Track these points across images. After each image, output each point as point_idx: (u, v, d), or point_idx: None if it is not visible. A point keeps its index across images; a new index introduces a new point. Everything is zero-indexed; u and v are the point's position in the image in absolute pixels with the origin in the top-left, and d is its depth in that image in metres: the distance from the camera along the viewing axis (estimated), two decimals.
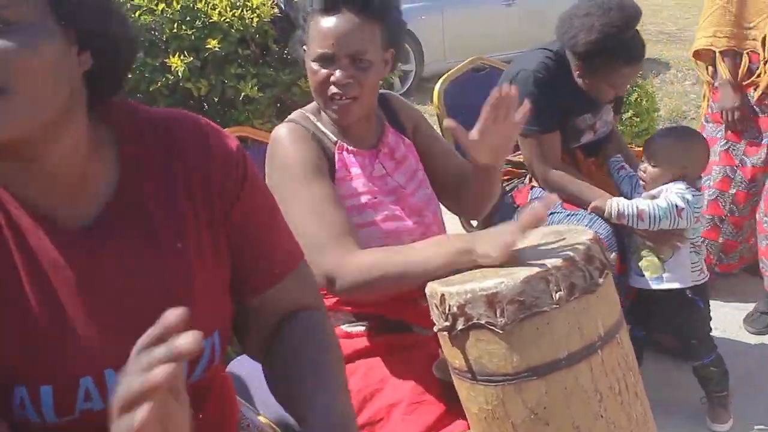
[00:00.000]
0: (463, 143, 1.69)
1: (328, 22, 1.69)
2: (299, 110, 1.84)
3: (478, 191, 1.87)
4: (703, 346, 2.69)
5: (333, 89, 1.70)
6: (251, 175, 1.20)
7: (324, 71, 1.71)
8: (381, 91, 1.93)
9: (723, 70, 3.19)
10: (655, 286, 2.61)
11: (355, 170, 1.77)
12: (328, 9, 1.70)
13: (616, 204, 2.55)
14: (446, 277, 1.50)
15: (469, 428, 1.54)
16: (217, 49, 2.67)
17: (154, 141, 1.13)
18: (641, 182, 2.66)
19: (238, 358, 1.89)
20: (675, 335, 2.88)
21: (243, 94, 2.67)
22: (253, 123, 2.63)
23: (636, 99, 4.71)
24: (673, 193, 2.53)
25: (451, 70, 3.10)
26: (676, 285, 2.61)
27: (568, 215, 2.60)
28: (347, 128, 1.79)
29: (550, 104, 2.60)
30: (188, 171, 1.14)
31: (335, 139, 1.79)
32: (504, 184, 2.81)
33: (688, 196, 2.52)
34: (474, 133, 1.67)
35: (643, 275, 2.61)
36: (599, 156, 2.95)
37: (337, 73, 1.69)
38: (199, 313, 1.09)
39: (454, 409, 1.56)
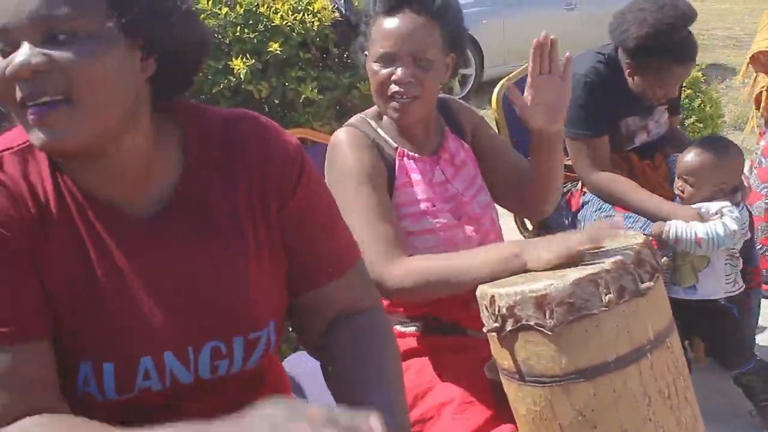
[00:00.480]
0: (522, 111, 1.72)
1: (391, 22, 1.72)
2: (359, 115, 1.87)
3: (542, 172, 1.83)
4: (737, 356, 2.64)
5: (394, 88, 1.73)
6: (308, 172, 1.23)
7: (385, 71, 1.73)
8: (440, 95, 1.94)
9: None
10: (687, 296, 2.58)
11: (416, 176, 1.79)
12: (391, 10, 1.73)
13: (674, 229, 2.50)
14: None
15: (517, 431, 1.55)
16: (278, 52, 2.71)
17: (217, 139, 1.18)
18: (678, 199, 2.63)
19: (292, 355, 1.94)
20: (710, 344, 2.84)
21: (303, 96, 2.71)
22: (313, 125, 2.67)
23: (700, 105, 4.65)
24: (728, 216, 2.48)
25: (511, 74, 3.09)
26: (708, 296, 2.58)
27: (623, 218, 2.59)
28: (408, 133, 1.81)
29: (599, 108, 2.61)
30: (247, 168, 1.17)
31: (395, 144, 1.81)
32: None
33: (737, 215, 2.49)
34: (527, 95, 1.70)
35: (678, 285, 2.59)
36: (655, 158, 2.93)
37: (399, 71, 1.71)
38: (254, 305, 1.15)
39: (503, 411, 1.56)
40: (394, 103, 1.75)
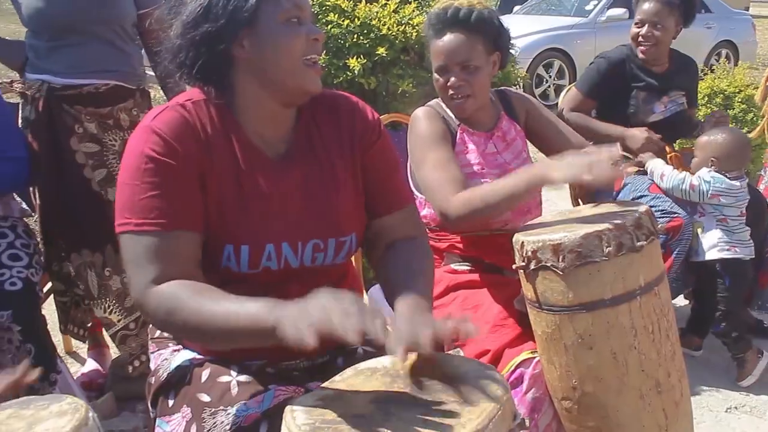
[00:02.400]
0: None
1: (440, 42, 1.93)
2: (435, 99, 2.08)
3: None
4: (711, 318, 2.74)
5: (450, 91, 1.94)
6: (384, 134, 1.51)
7: (442, 79, 1.95)
8: (500, 88, 2.15)
9: None
10: (692, 258, 2.70)
11: (471, 146, 1.98)
12: (438, 33, 1.94)
13: (652, 162, 2.73)
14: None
15: (533, 351, 1.71)
16: (384, 55, 2.93)
17: (321, 106, 1.47)
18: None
19: (375, 287, 2.17)
20: (697, 301, 2.91)
21: (401, 89, 2.92)
22: (408, 111, 2.83)
23: (752, 118, 4.53)
24: (697, 174, 2.64)
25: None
26: (700, 258, 2.68)
27: (653, 198, 2.69)
28: (466, 116, 2.00)
29: (605, 80, 2.88)
30: (341, 126, 1.47)
31: (458, 122, 2.01)
32: None
33: (707, 178, 2.61)
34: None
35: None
36: (673, 142, 3.05)
37: (452, 79, 1.92)
38: (343, 218, 1.44)
39: (527, 333, 1.73)
40: (453, 102, 1.96)
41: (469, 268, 2.00)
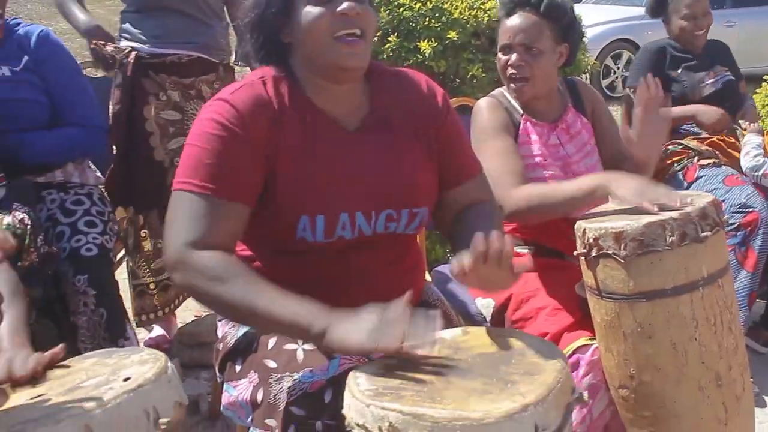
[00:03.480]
0: (629, 143, 1.87)
1: (509, 21, 1.94)
2: (500, 89, 2.08)
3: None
4: None
5: (510, 70, 1.94)
6: (453, 113, 1.55)
7: (504, 57, 1.96)
8: (570, 78, 2.14)
9: None
10: None
11: (534, 137, 1.98)
12: (509, 12, 1.95)
13: (749, 136, 2.77)
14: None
15: (591, 337, 1.72)
16: (455, 38, 2.93)
17: (393, 83, 1.51)
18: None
19: (441, 267, 2.21)
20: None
21: (470, 73, 2.92)
22: (476, 95, 2.83)
23: None
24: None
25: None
26: None
27: (727, 191, 2.65)
28: (530, 105, 2.00)
29: (649, 66, 2.89)
30: (412, 102, 1.50)
31: (522, 112, 2.01)
32: (675, 165, 2.89)
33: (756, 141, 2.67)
34: (633, 133, 1.85)
35: None
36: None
37: (513, 57, 1.93)
38: (417, 190, 1.48)
39: (585, 320, 1.73)
40: (512, 84, 1.96)
41: (528, 251, 2.01)
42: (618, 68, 8.43)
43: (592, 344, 1.71)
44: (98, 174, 2.40)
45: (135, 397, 1.06)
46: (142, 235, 2.47)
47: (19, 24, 2.19)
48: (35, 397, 1.12)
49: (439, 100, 1.53)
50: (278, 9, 1.39)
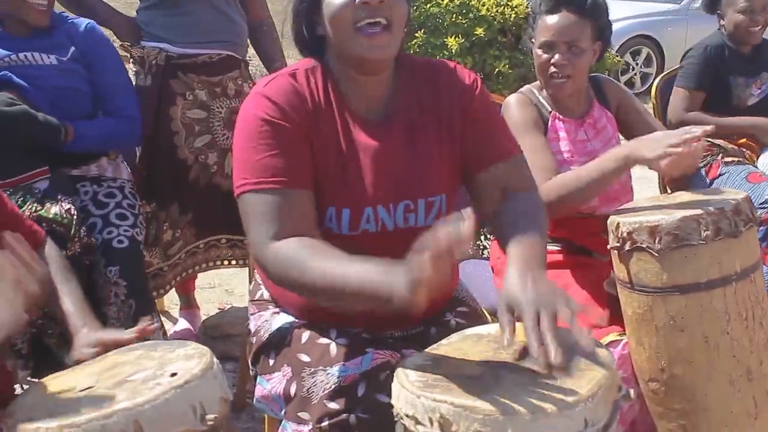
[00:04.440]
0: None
1: (551, 19, 1.94)
2: (528, 86, 2.10)
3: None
4: None
5: (552, 69, 1.95)
6: (483, 92, 1.52)
7: (546, 55, 1.96)
8: (593, 74, 2.14)
9: None
10: None
11: (562, 134, 2.00)
12: (552, 9, 1.95)
13: None
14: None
15: (620, 333, 1.74)
16: (482, 35, 2.96)
17: (420, 74, 1.50)
18: None
19: (465, 262, 2.23)
20: None
21: (497, 70, 2.94)
22: (502, 92, 2.88)
23: None
24: None
25: (667, 71, 3.15)
26: None
27: (751, 188, 2.64)
28: (561, 102, 2.02)
29: (708, 67, 2.80)
30: (440, 92, 1.49)
31: (550, 109, 2.02)
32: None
33: None
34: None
35: None
36: None
37: (557, 56, 1.93)
38: (433, 178, 1.46)
39: (614, 317, 1.75)
40: (552, 80, 1.96)
41: (558, 248, 2.02)
42: (637, 64, 8.40)
43: (622, 339, 1.73)
44: (129, 170, 2.44)
45: (182, 393, 1.06)
46: (164, 228, 2.51)
47: (66, 16, 2.25)
48: (86, 389, 1.14)
49: (468, 80, 1.51)
50: (309, 2, 1.41)
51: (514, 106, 1.99)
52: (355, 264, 1.21)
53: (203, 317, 3.09)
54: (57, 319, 1.75)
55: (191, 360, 1.16)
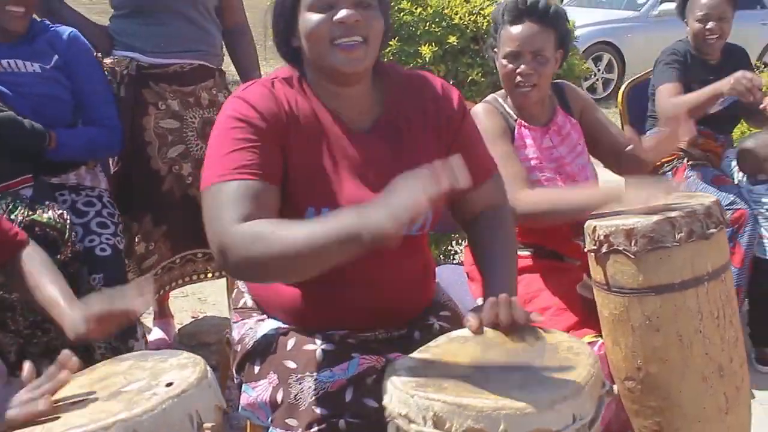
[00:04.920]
0: (637, 149, 1.90)
1: (515, 29, 1.98)
2: (492, 94, 2.14)
3: (629, 169, 2.06)
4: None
5: (518, 79, 1.98)
6: (468, 115, 1.58)
7: (511, 66, 1.99)
8: (556, 81, 2.18)
9: None
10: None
11: (529, 141, 2.04)
12: (514, 20, 1.99)
13: None
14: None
15: (595, 335, 1.78)
16: (455, 43, 2.99)
17: (407, 86, 1.53)
18: None
19: (441, 267, 2.26)
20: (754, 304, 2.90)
21: (470, 77, 2.98)
22: (475, 99, 2.86)
23: None
24: None
25: (633, 78, 3.25)
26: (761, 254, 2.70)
27: (715, 190, 2.74)
28: (525, 109, 2.06)
29: (678, 66, 2.84)
30: (426, 107, 1.52)
31: (516, 117, 2.06)
32: (665, 165, 2.97)
33: None
34: (648, 145, 1.89)
35: None
36: (730, 133, 3.06)
37: (522, 66, 1.97)
38: None
39: (587, 320, 1.80)
40: (518, 89, 1.99)
41: (529, 253, 2.06)
42: (599, 70, 8.54)
43: (597, 341, 1.77)
44: (107, 179, 2.43)
45: (179, 402, 1.06)
46: (136, 240, 2.50)
47: (49, 24, 2.24)
48: (80, 400, 1.14)
49: (455, 101, 1.55)
50: (285, 16, 1.44)
51: (482, 116, 2.02)
52: (318, 221, 1.23)
53: (177, 326, 3.08)
54: (44, 328, 1.77)
55: (186, 369, 1.16)
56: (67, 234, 1.93)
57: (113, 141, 2.30)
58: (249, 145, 1.35)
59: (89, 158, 2.30)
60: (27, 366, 1.23)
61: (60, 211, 1.97)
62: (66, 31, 2.24)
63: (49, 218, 1.93)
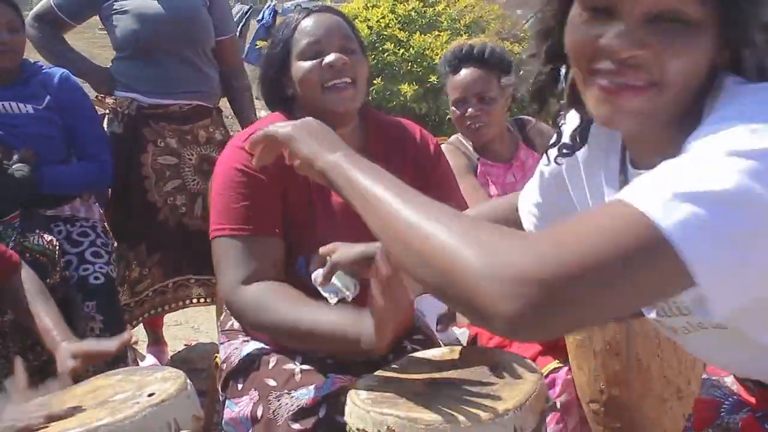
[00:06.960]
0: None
1: (458, 77, 2.09)
2: (455, 135, 2.23)
3: None
4: None
5: (467, 121, 2.09)
6: (444, 159, 1.68)
7: (459, 111, 2.11)
8: (518, 117, 2.28)
9: None
10: None
11: (491, 179, 2.13)
12: (455, 69, 2.10)
13: None
14: None
15: (558, 362, 1.83)
16: (435, 82, 3.10)
17: (388, 130, 1.64)
18: None
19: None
20: None
21: (449, 116, 3.05)
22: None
23: None
24: None
25: None
26: None
27: None
28: (485, 148, 2.15)
29: None
30: (406, 152, 1.63)
31: (477, 156, 2.16)
32: None
33: None
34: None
35: None
36: None
37: (469, 109, 2.08)
38: None
39: (553, 347, 1.84)
40: (470, 130, 2.10)
41: None
42: None
43: (563, 367, 1.83)
44: (101, 210, 2.53)
45: (159, 410, 1.14)
46: (133, 266, 2.59)
47: (41, 66, 2.36)
48: (72, 408, 1.23)
49: (432, 147, 1.66)
50: (277, 68, 1.55)
51: (447, 154, 2.06)
52: (323, 309, 1.33)
53: (170, 353, 3.13)
54: (35, 351, 1.84)
55: (167, 382, 1.25)
56: (56, 259, 2.01)
57: (104, 175, 2.40)
58: (254, 199, 1.46)
59: (81, 192, 2.41)
60: (17, 362, 1.34)
61: (50, 238, 2.05)
62: (57, 72, 2.35)
63: (38, 244, 2.02)
